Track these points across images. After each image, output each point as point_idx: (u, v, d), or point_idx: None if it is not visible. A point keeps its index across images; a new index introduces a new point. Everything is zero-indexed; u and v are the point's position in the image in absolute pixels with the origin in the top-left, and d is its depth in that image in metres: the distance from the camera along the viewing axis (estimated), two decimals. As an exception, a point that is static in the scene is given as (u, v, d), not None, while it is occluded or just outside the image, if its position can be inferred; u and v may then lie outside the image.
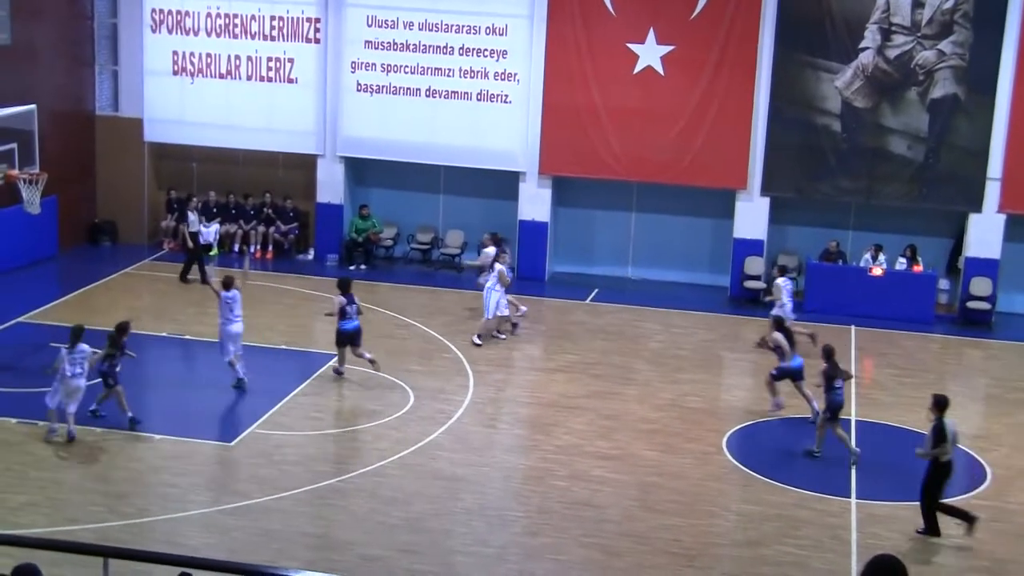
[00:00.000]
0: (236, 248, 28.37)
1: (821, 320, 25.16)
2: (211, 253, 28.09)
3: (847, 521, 16.48)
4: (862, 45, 25.50)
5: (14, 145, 21.45)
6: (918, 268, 25.95)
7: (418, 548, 15.28)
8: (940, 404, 16.13)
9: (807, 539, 15.94)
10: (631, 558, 15.30)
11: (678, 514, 16.47)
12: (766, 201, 26.52)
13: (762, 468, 17.99)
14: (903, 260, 26.03)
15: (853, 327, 24.91)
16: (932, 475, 15.98)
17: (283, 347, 22.40)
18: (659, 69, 26.33)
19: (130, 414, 18.20)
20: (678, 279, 27.72)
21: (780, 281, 23.24)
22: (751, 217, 26.57)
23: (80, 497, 16.21)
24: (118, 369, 18.29)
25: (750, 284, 26.41)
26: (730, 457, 18.45)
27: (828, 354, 18.45)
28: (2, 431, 18.10)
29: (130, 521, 15.56)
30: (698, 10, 26.03)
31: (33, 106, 22.14)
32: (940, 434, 15.87)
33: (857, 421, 20.00)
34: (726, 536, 16.17)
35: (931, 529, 16.02)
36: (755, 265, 26.49)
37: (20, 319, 22.12)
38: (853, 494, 17.26)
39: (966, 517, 15.99)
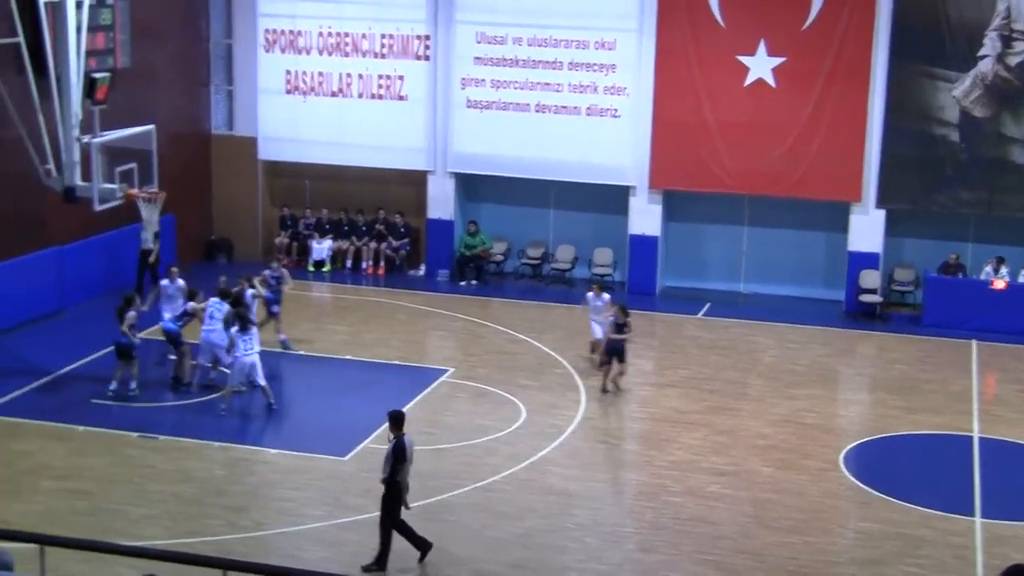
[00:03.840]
0: (349, 264, 28.66)
1: (940, 335, 24.65)
2: (324, 269, 28.45)
3: (971, 541, 16.04)
4: (981, 53, 24.93)
5: (134, 164, 21.90)
6: (1042, 280, 25.27)
7: (530, 564, 15.22)
8: (397, 420, 15.03)
9: (929, 559, 15.55)
10: (747, 576, 15.08)
11: (795, 531, 16.19)
12: (881, 214, 26.03)
13: (881, 485, 17.60)
14: (1027, 272, 25.36)
15: (975, 342, 24.31)
16: (390, 496, 14.82)
17: (396, 362, 22.52)
18: (770, 81, 26.03)
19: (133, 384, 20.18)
20: (791, 293, 27.32)
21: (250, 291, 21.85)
22: (866, 230, 26.10)
23: (198, 510, 16.43)
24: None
25: (866, 298, 25.93)
26: (848, 474, 18.09)
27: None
28: (123, 445, 18.46)
29: (248, 534, 15.74)
30: (810, 21, 25.69)
31: (152, 126, 22.57)
32: (400, 453, 14.74)
33: (980, 438, 19.52)
34: (844, 555, 15.83)
35: (419, 545, 15.05)
36: (871, 279, 26.00)
37: (141, 335, 22.52)
38: (978, 513, 16.80)
39: (421, 545, 15.04)
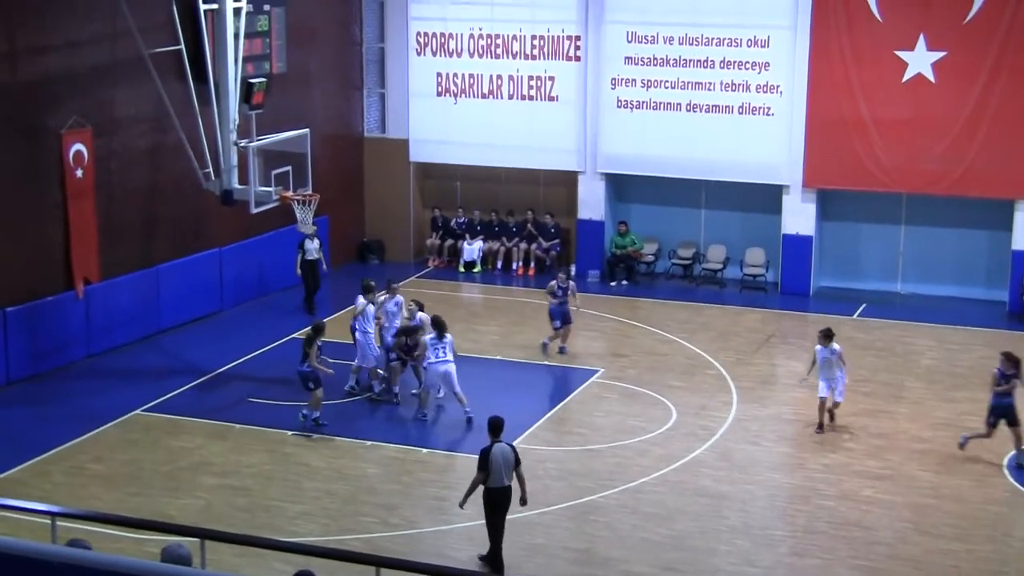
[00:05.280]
0: (500, 265, 28.76)
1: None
2: (474, 270, 28.65)
3: None
4: None
5: (289, 168, 22.34)
6: None
7: (681, 566, 15.08)
8: (492, 427, 14.87)
9: (1099, 570, 14.96)
10: (905, 583, 14.68)
11: (956, 538, 15.72)
12: (1049, 211, 25.16)
13: (1048, 493, 16.99)
14: None
15: None
16: (487, 498, 14.81)
17: (546, 363, 22.54)
18: (930, 76, 25.33)
19: (317, 414, 19.31)
20: (951, 294, 26.55)
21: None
22: (1033, 228, 25.25)
23: (352, 508, 16.67)
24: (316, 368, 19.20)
25: (1031, 298, 25.09)
26: (1012, 480, 17.50)
27: None
28: (278, 443, 18.85)
29: (399, 532, 15.91)
30: (972, 13, 24.91)
31: (307, 130, 23.00)
32: (482, 460, 14.62)
33: None
34: (1010, 564, 15.30)
35: (493, 558, 14.83)
36: (1036, 278, 25.14)
37: (295, 335, 22.98)
38: None
39: (495, 559, 14.73)
